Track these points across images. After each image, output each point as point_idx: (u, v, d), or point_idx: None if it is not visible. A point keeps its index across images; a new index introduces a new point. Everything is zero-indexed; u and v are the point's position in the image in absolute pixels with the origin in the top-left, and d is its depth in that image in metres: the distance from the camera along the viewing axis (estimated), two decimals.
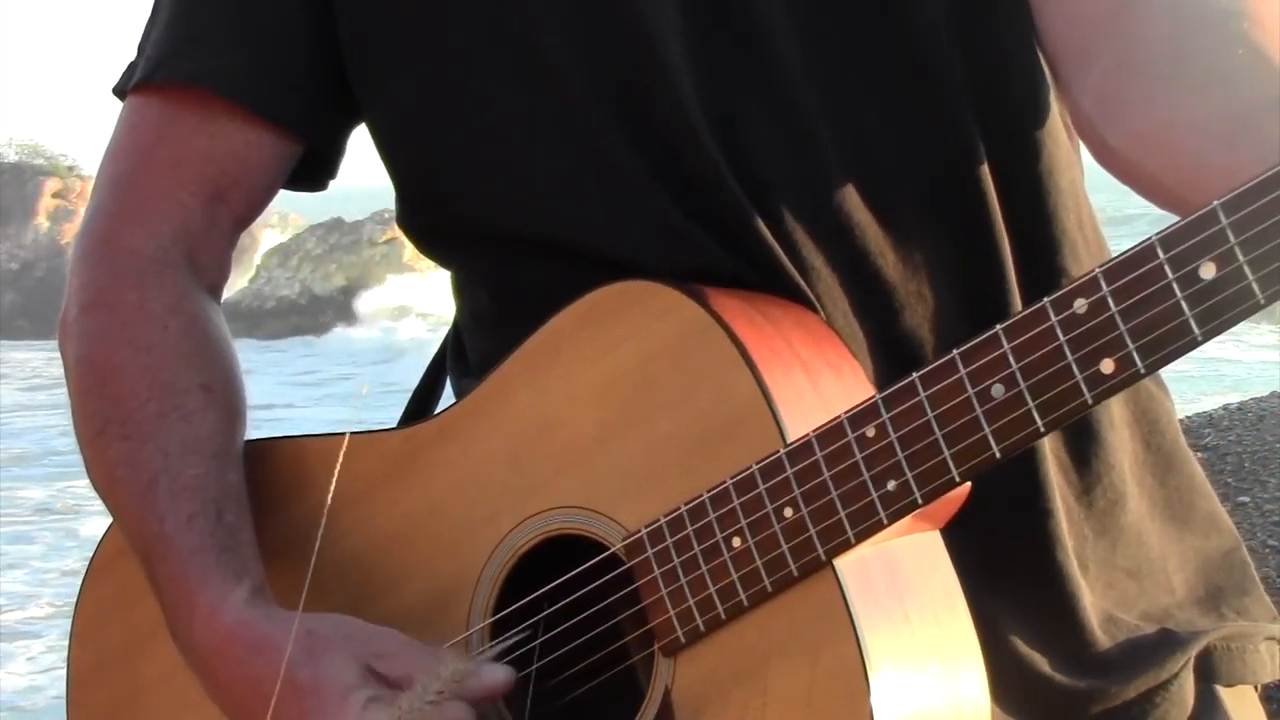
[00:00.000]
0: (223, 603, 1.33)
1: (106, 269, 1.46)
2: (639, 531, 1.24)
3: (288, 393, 27.50)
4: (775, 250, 1.30)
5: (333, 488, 1.31)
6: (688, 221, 1.31)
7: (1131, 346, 1.06)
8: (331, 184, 1.61)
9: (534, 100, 1.35)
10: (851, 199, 1.32)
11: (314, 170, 1.52)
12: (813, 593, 1.18)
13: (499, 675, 1.26)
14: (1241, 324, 1.05)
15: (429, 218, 1.46)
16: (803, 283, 1.30)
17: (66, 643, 1.54)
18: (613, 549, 1.25)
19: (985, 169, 1.34)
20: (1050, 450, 1.36)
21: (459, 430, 1.35)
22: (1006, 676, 1.32)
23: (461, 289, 1.51)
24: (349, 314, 38.08)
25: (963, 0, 1.33)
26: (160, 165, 1.48)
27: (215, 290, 1.52)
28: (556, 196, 1.35)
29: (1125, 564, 1.40)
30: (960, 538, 1.24)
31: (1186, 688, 1.36)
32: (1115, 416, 1.39)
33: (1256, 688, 1.44)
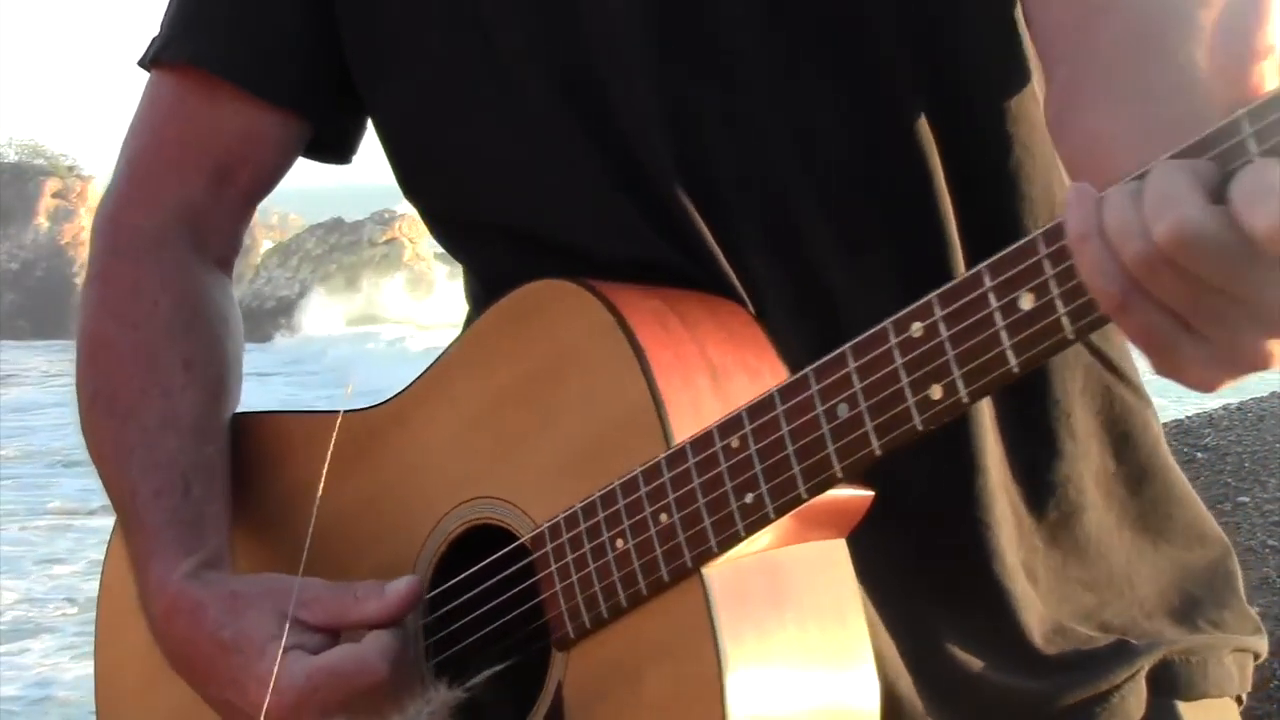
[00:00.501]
0: (169, 575, 1.39)
1: (109, 244, 1.53)
2: (541, 526, 1.27)
3: (301, 394, 27.55)
4: (715, 248, 1.32)
5: (325, 470, 1.34)
6: (638, 215, 1.34)
7: (956, 374, 1.06)
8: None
9: (508, 97, 1.39)
10: (797, 201, 1.33)
11: (335, 144, 1.55)
12: (682, 599, 1.20)
13: (402, 587, 1.32)
14: None
15: (431, 208, 1.49)
16: (738, 283, 1.32)
17: (89, 637, 1.59)
18: (519, 541, 1.29)
19: (941, 174, 1.33)
20: (998, 462, 1.35)
21: (407, 415, 1.39)
22: (940, 679, 1.33)
23: (465, 276, 1.55)
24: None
25: (928, 3, 1.32)
26: (168, 142, 1.53)
27: (224, 264, 1.56)
28: (528, 189, 1.39)
29: (1080, 575, 1.38)
30: (895, 544, 1.26)
31: (1131, 700, 1.35)
32: (1079, 427, 1.38)
33: (1239, 700, 1.41)
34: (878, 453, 1.11)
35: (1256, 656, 1.42)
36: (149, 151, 1.54)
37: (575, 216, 1.36)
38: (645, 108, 1.33)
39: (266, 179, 1.54)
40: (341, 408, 1.42)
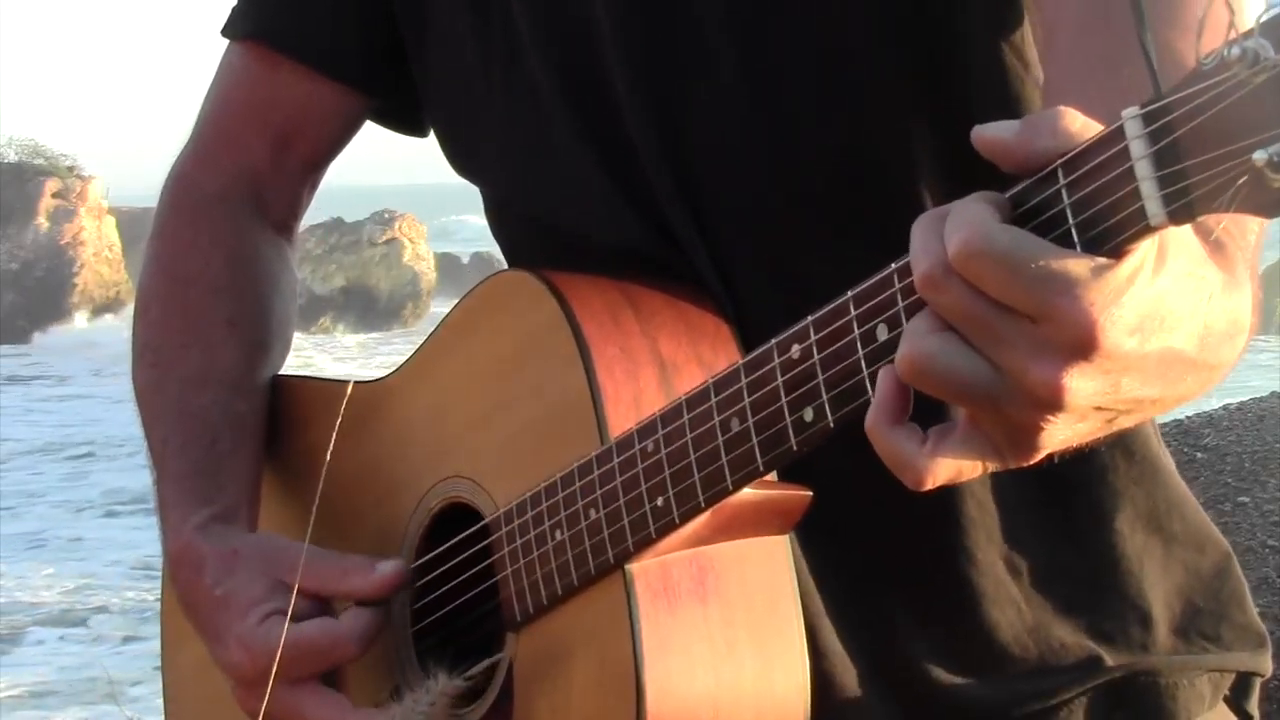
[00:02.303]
0: (182, 524, 1.45)
1: (170, 203, 1.61)
2: (498, 510, 1.31)
3: None
4: (695, 237, 1.33)
5: (334, 438, 1.38)
6: (622, 202, 1.36)
7: (825, 397, 1.06)
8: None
9: (517, 80, 1.42)
10: (777, 193, 1.33)
11: (405, 114, 1.59)
12: (607, 591, 1.23)
13: (389, 569, 1.36)
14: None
15: (474, 184, 1.53)
16: (715, 269, 1.32)
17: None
18: (483, 521, 1.33)
19: (925, 160, 1.31)
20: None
21: (402, 390, 1.45)
22: (895, 679, 1.33)
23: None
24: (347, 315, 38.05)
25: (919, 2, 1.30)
26: (233, 110, 1.61)
27: (284, 228, 1.64)
28: (534, 175, 1.42)
29: (1081, 572, 1.35)
30: (860, 542, 1.29)
31: (1079, 717, 1.33)
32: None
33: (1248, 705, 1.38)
34: (761, 470, 1.13)
35: (1256, 675, 1.38)
36: (216, 117, 1.62)
37: (572, 203, 1.39)
38: (632, 98, 1.35)
39: (326, 147, 1.61)
40: (351, 380, 1.48)
